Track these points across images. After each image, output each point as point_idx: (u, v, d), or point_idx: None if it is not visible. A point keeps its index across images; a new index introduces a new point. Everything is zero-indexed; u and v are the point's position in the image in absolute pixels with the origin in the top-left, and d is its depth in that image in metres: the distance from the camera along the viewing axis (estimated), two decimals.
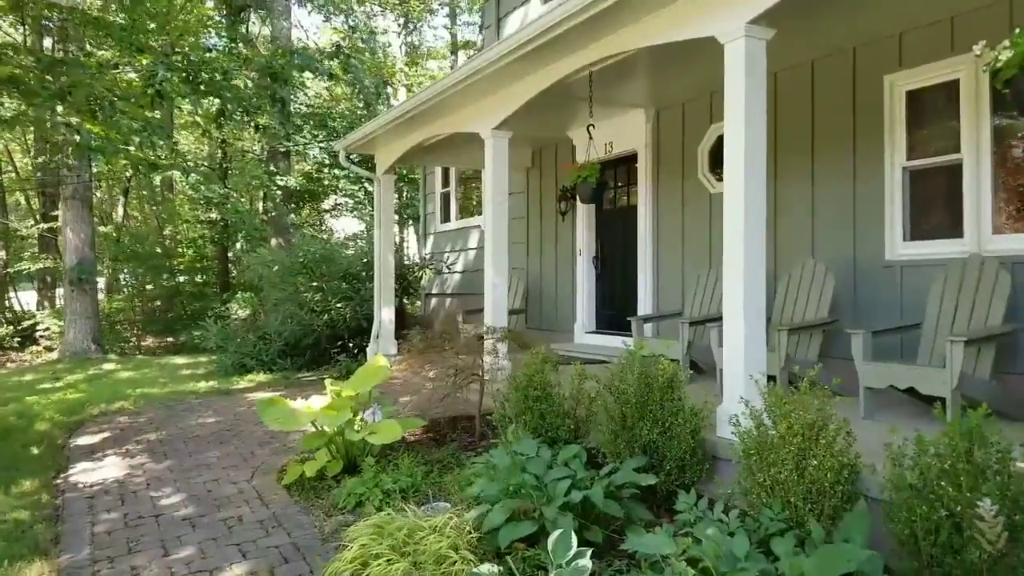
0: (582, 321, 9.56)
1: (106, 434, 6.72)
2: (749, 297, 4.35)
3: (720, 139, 7.56)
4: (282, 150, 17.74)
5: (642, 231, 8.53)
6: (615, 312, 9.34)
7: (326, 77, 17.45)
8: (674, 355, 6.66)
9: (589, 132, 7.11)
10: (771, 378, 5.41)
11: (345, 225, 28.28)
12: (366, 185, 18.29)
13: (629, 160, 8.92)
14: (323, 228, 23.59)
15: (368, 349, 10.04)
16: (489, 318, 7.16)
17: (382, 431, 4.88)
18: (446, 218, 13.37)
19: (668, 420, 4.23)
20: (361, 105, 20.13)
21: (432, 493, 4.47)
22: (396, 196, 14.51)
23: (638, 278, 8.58)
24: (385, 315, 9.99)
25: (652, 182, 8.41)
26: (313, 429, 5.13)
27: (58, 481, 5.29)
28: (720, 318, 5.74)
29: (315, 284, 11.27)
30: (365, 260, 11.72)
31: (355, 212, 20.72)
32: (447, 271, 12.46)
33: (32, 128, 15.95)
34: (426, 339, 6.25)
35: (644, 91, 7.69)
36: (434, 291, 13.64)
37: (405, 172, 18.92)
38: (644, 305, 8.48)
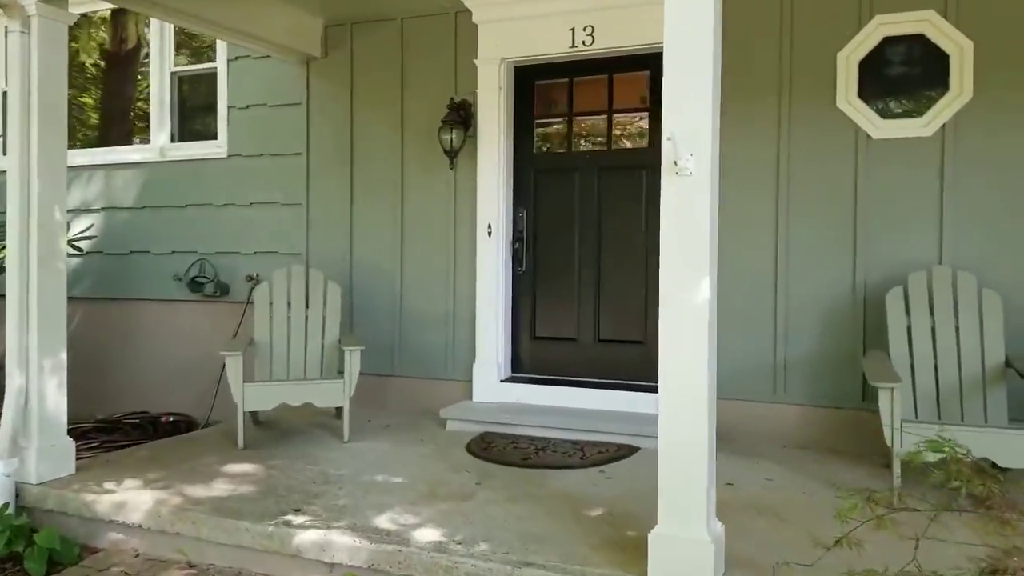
0: (491, 361, 5.10)
1: None
2: None
3: (887, 43, 4.27)
4: None
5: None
6: (562, 341, 5.17)
7: None
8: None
9: None
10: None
11: None
12: None
13: (626, 66, 4.91)
14: None
15: None
16: None
17: None
18: None
19: None
20: None
21: None
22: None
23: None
24: (47, 379, 3.78)
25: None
26: None
27: None
28: None
29: None
30: None
31: None
32: None
33: None
34: None
35: None
36: None
37: None
38: None
